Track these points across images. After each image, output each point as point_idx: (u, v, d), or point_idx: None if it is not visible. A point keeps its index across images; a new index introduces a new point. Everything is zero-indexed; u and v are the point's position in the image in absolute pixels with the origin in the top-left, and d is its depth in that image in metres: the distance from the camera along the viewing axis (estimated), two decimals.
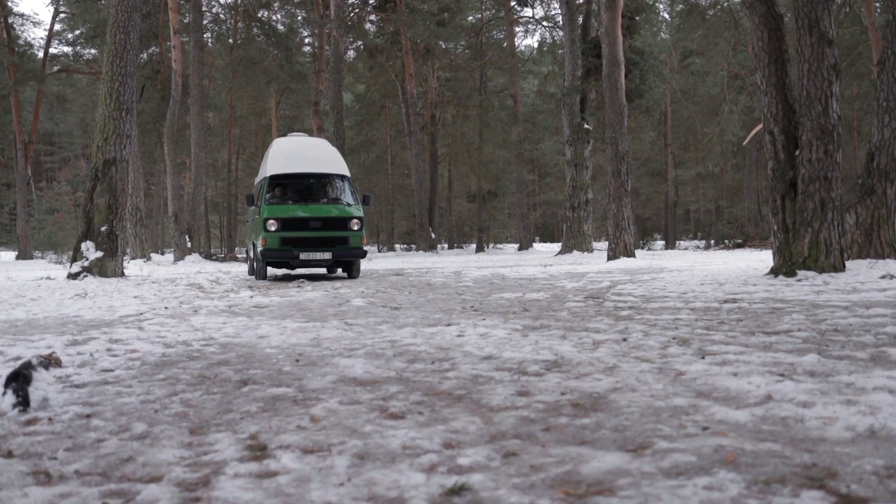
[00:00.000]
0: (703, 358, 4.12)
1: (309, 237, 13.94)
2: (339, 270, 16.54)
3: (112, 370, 4.25)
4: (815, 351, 4.22)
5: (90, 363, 4.45)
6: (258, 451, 2.58)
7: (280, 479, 2.27)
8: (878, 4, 28.84)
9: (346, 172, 15.23)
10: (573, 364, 4.07)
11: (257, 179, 16.66)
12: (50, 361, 4.16)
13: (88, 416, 3.15)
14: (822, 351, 4.24)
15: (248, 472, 2.34)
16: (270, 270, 16.50)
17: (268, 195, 14.25)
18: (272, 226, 13.80)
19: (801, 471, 2.18)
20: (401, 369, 4.08)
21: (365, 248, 14.58)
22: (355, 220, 14.28)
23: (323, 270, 17.60)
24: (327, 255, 13.93)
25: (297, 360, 4.47)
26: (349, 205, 14.61)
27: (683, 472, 2.19)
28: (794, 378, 3.49)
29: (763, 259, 16.35)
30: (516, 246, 43.82)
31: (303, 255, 13.79)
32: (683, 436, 2.60)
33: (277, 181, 14.62)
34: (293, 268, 15.32)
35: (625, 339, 4.94)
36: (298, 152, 15.25)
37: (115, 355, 4.76)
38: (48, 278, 14.40)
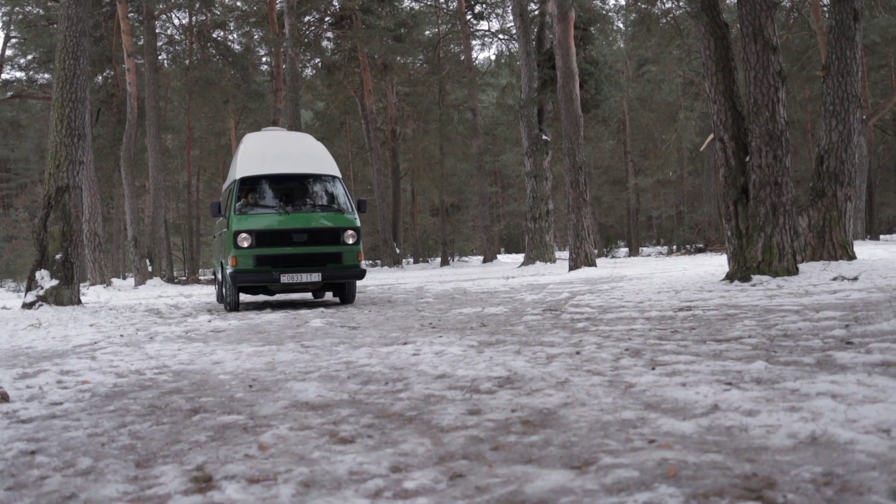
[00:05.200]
0: (653, 369, 4.16)
1: (292, 254, 11.26)
2: (330, 294, 13.81)
3: (61, 403, 4.17)
4: (763, 358, 4.27)
5: (39, 397, 4.37)
6: (203, 482, 2.55)
7: None
8: (825, 9, 29.48)
9: (337, 173, 12.51)
10: (526, 380, 4.09)
11: (225, 185, 13.76)
12: None
13: (33, 452, 3.09)
14: (770, 357, 4.30)
15: None
16: (244, 297, 13.99)
17: (238, 203, 11.51)
18: (244, 241, 11.13)
19: (740, 482, 2.21)
20: (354, 391, 4.06)
21: (363, 266, 11.89)
22: (351, 232, 11.58)
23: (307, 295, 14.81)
24: (316, 277, 11.25)
25: (251, 386, 4.43)
26: (342, 212, 11.84)
27: (625, 489, 2.21)
28: (741, 386, 3.53)
29: (722, 264, 16.53)
30: (481, 258, 43.94)
31: (285, 278, 11.09)
32: (629, 450, 2.62)
33: (250, 185, 11.87)
34: (273, 293, 12.62)
35: (578, 353, 4.96)
36: (276, 148, 12.61)
37: (65, 387, 4.68)
38: (3, 308, 14.16)
